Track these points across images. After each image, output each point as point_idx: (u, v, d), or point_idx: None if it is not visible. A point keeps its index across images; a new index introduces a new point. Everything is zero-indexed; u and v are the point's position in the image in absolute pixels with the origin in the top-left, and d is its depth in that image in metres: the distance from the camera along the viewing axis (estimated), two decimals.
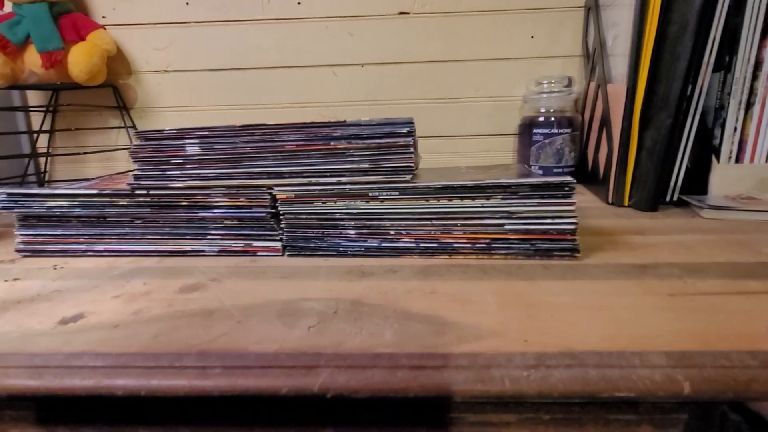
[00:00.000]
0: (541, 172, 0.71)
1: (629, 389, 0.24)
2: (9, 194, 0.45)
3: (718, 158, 0.55)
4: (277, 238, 0.44)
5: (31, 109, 0.82)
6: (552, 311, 0.31)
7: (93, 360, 0.28)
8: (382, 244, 0.42)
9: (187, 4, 0.77)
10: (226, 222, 0.44)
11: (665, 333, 0.27)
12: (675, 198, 0.57)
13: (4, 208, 0.45)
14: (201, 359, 0.27)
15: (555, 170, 0.71)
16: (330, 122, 0.41)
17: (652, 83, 0.53)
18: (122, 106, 0.80)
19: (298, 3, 0.76)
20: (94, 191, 0.44)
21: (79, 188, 0.45)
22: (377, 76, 0.79)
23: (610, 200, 0.59)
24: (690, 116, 0.53)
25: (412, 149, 0.41)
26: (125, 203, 0.44)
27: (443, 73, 0.78)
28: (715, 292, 0.33)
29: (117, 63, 0.78)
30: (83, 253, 0.46)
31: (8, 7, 0.70)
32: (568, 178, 0.38)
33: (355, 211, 0.42)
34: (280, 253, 0.44)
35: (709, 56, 0.52)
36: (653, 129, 0.54)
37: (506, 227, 0.40)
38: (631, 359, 0.25)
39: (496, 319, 0.30)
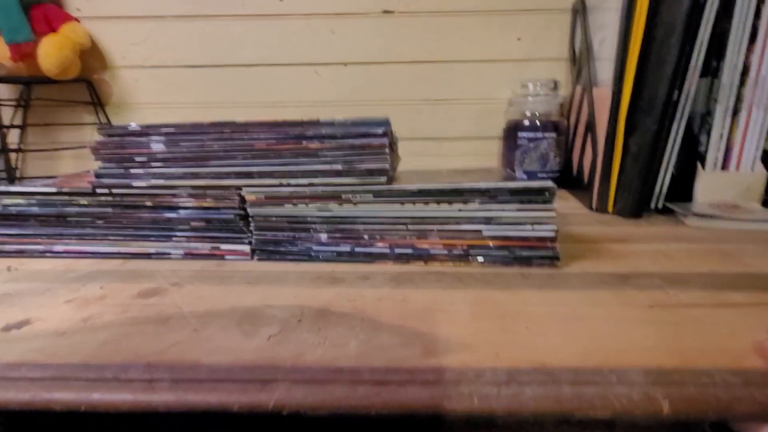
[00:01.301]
0: (525, 176, 0.70)
1: (605, 408, 0.23)
2: None
3: (703, 165, 0.54)
4: (246, 241, 0.42)
5: (1, 102, 0.79)
6: (527, 323, 0.29)
7: (31, 371, 0.26)
8: (355, 249, 0.40)
9: None
10: (192, 224, 0.42)
11: (644, 348, 0.26)
12: (660, 205, 0.56)
13: None
14: (148, 371, 0.25)
15: (539, 175, 0.70)
16: (302, 121, 0.39)
17: (638, 87, 0.52)
18: (97, 101, 0.77)
19: None
20: (53, 189, 0.42)
21: (36, 186, 0.42)
22: (360, 76, 0.77)
23: (594, 206, 0.58)
24: (676, 122, 0.52)
25: (387, 150, 0.39)
26: (86, 202, 0.42)
27: (428, 73, 0.76)
28: (697, 304, 0.31)
29: (92, 57, 0.76)
30: (41, 254, 0.43)
31: None
32: (549, 183, 0.37)
33: (327, 214, 0.40)
34: (249, 257, 0.42)
35: (696, 61, 0.51)
36: (638, 134, 0.53)
37: (484, 233, 0.38)
38: (608, 376, 0.24)
39: (467, 330, 0.28)
